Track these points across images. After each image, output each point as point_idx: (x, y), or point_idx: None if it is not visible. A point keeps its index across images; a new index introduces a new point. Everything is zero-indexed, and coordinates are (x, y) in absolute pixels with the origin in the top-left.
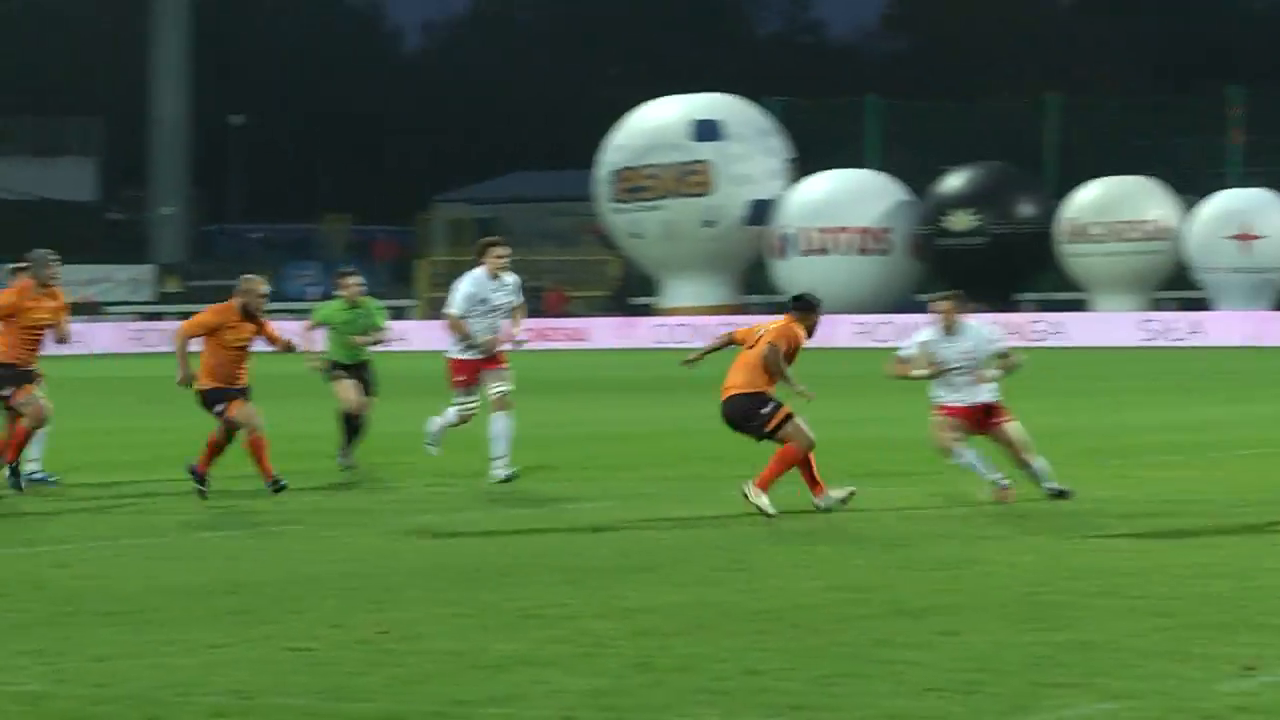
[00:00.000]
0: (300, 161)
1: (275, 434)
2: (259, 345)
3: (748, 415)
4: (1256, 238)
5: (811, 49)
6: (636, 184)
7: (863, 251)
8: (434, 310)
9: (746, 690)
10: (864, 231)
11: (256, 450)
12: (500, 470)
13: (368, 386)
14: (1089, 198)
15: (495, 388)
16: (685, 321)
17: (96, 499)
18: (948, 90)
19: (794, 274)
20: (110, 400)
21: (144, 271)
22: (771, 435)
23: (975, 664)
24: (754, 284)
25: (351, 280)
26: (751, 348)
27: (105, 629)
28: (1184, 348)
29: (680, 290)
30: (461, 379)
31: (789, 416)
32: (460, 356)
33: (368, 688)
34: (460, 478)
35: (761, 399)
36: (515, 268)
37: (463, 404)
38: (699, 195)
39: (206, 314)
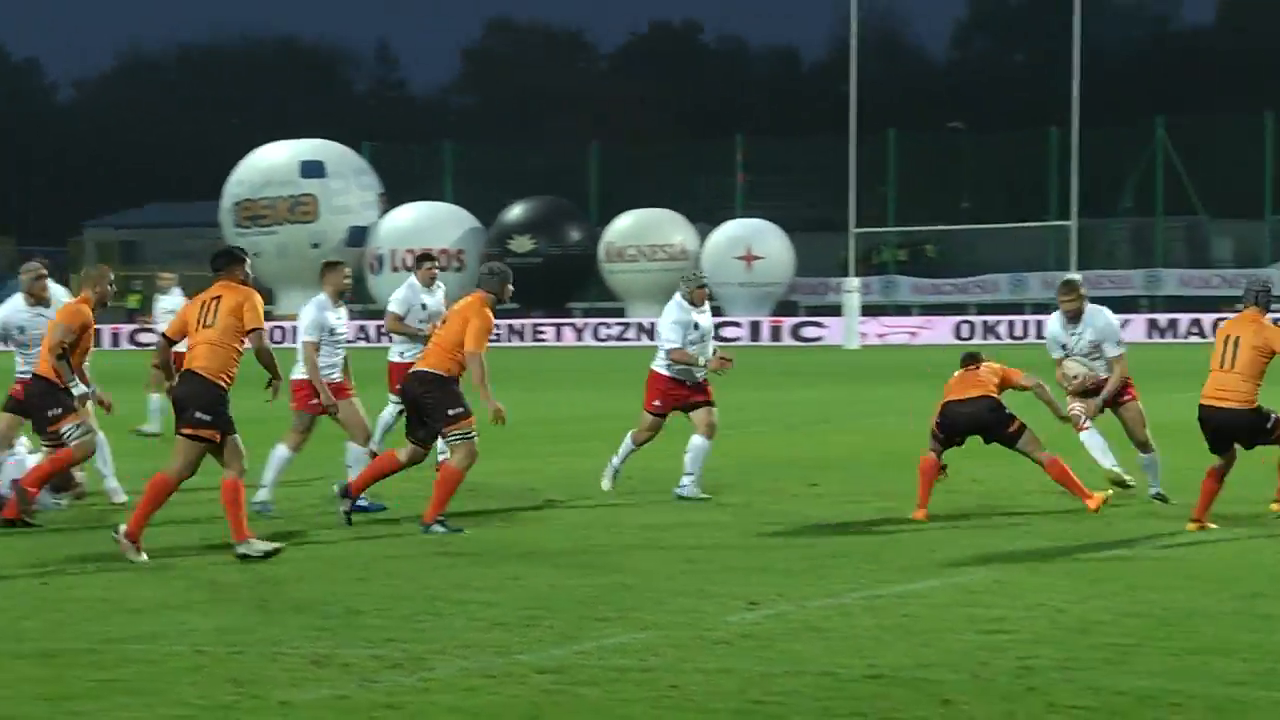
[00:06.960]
0: None
1: None
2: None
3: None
4: (758, 258)
5: (397, 102)
6: (255, 213)
7: (443, 269)
8: None
9: (347, 627)
10: (444, 252)
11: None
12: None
13: None
14: (624, 225)
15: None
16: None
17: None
18: (510, 137)
19: (385, 287)
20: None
21: None
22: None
23: (535, 602)
24: (354, 295)
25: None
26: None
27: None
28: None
29: (293, 299)
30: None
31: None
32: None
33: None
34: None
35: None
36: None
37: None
38: (307, 222)
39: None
